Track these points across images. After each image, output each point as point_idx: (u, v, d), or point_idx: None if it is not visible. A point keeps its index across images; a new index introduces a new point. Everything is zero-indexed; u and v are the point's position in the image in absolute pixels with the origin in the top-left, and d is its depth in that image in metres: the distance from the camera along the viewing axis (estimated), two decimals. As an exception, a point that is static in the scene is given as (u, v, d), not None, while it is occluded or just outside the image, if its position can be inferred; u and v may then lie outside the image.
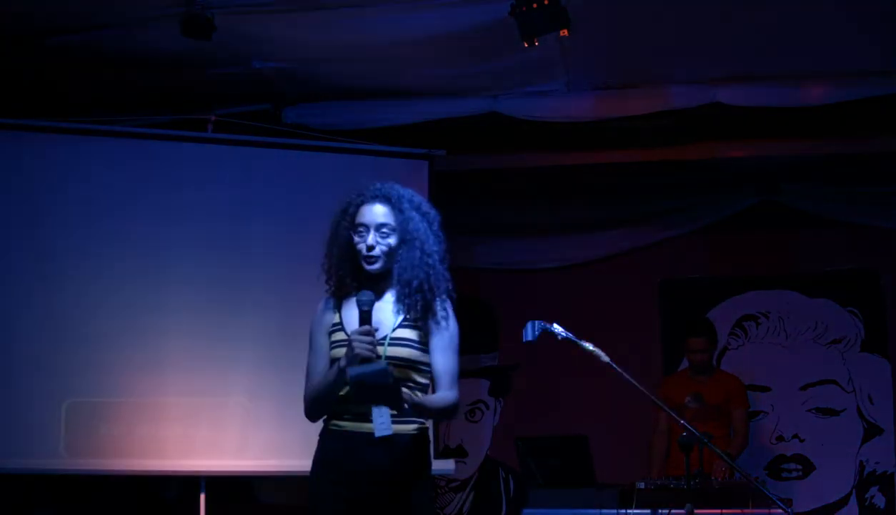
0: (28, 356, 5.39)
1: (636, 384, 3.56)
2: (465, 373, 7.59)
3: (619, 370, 3.56)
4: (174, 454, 5.49)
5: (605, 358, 3.60)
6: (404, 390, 3.13)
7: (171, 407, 5.51)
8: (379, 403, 3.15)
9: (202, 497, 5.52)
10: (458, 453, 7.28)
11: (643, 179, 7.12)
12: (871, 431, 6.91)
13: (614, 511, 4.76)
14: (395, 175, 5.90)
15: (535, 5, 4.75)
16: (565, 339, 3.64)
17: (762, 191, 7.04)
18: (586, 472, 5.29)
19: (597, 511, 4.79)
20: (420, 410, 3.22)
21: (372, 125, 6.22)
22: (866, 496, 6.85)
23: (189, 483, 5.81)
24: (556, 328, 3.66)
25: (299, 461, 5.51)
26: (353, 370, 3.07)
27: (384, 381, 3.04)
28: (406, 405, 3.13)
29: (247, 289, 5.64)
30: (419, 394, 3.26)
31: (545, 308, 5.79)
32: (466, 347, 7.78)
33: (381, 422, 3.17)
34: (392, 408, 3.17)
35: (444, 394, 3.29)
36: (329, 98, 6.18)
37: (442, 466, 6.20)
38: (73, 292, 5.46)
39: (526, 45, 4.93)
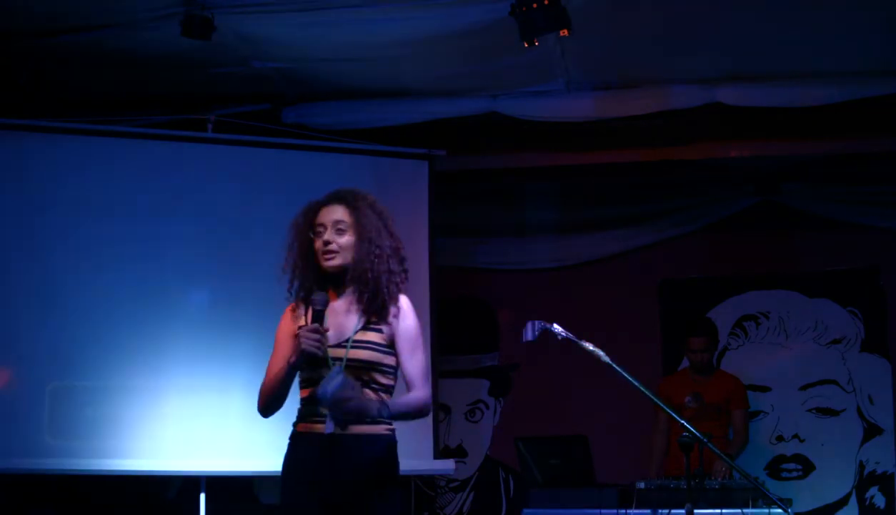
0: (24, 347, 5.40)
1: (636, 383, 3.55)
2: (465, 373, 7.66)
3: (619, 369, 3.56)
4: (174, 454, 5.49)
5: (606, 358, 3.60)
6: (374, 400, 3.25)
7: (171, 407, 5.51)
8: (352, 415, 3.21)
9: (202, 497, 5.52)
10: (458, 453, 7.28)
11: (643, 179, 7.12)
12: (871, 431, 6.90)
13: (614, 511, 4.75)
14: (395, 175, 6.00)
15: (535, 5, 4.75)
16: (565, 339, 3.64)
17: (762, 191, 7.04)
18: (586, 472, 5.28)
19: (597, 511, 4.78)
20: (395, 416, 3.31)
21: (372, 125, 6.22)
22: (866, 496, 6.85)
23: (189, 483, 5.81)
24: (556, 328, 3.66)
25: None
26: (319, 392, 3.17)
27: (350, 391, 3.16)
28: (377, 413, 3.23)
29: (246, 287, 5.63)
30: (385, 396, 3.34)
31: (545, 308, 5.81)
32: (466, 347, 7.84)
33: (329, 421, 3.26)
34: (363, 417, 3.24)
35: (416, 394, 3.37)
36: (329, 98, 6.18)
37: (442, 466, 6.21)
38: (73, 292, 5.46)
39: (526, 45, 4.93)
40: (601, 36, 5.37)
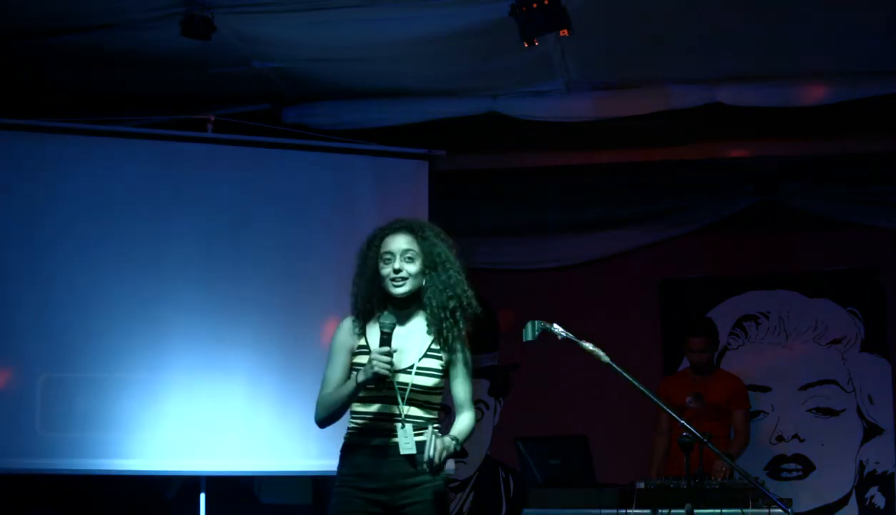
0: (24, 345, 5.40)
1: (636, 383, 3.55)
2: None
3: (619, 369, 3.56)
4: (174, 454, 5.49)
5: (605, 358, 3.60)
6: (449, 439, 3.50)
7: (171, 406, 5.51)
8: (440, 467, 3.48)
9: (202, 497, 5.52)
10: (458, 453, 7.26)
11: (643, 180, 7.12)
12: (871, 431, 6.90)
13: (614, 511, 4.75)
14: (395, 175, 6.00)
15: (535, 5, 4.75)
16: (565, 339, 3.65)
17: (762, 191, 7.04)
18: (586, 472, 5.28)
19: (597, 511, 4.78)
20: (462, 443, 3.61)
21: (372, 125, 6.22)
22: (866, 496, 6.85)
23: (189, 483, 5.81)
24: (556, 328, 3.66)
25: (299, 461, 5.59)
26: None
27: (439, 446, 3.45)
28: (454, 450, 3.54)
29: (247, 288, 5.64)
30: (439, 415, 3.64)
31: (545, 308, 5.80)
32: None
33: (406, 442, 3.53)
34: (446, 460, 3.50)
35: (468, 416, 3.68)
36: (329, 98, 6.18)
37: (442, 466, 6.20)
38: (72, 293, 5.45)
39: (526, 45, 4.94)
40: (601, 36, 5.37)
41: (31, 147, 5.56)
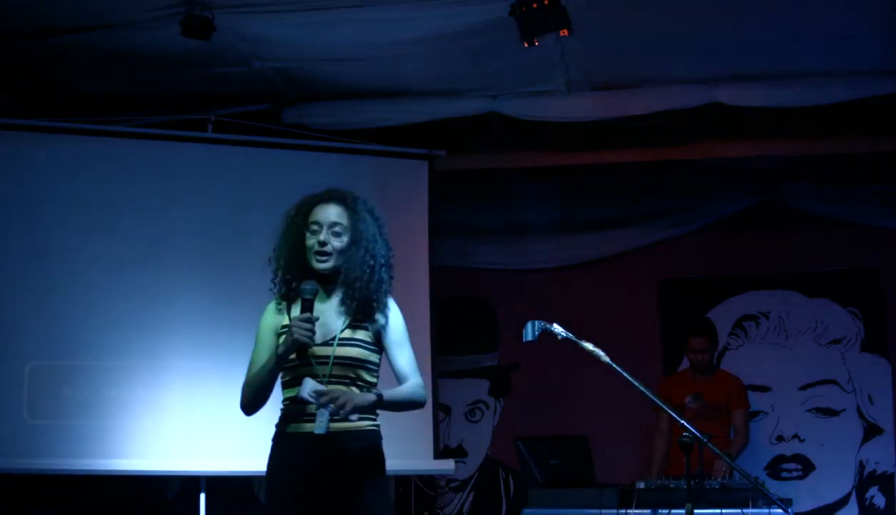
0: (21, 337, 5.42)
1: (636, 383, 3.55)
2: (465, 373, 7.65)
3: (619, 369, 3.56)
4: (174, 454, 5.49)
5: (605, 358, 3.59)
6: (368, 395, 3.23)
7: (170, 407, 5.51)
8: (350, 412, 3.20)
9: (202, 497, 5.53)
10: (458, 453, 7.28)
11: (643, 179, 7.11)
12: (871, 431, 6.90)
13: (614, 511, 4.75)
14: (395, 175, 6.01)
15: (535, 5, 4.75)
16: (565, 339, 3.64)
17: (762, 191, 7.04)
18: (586, 472, 5.28)
19: (597, 511, 4.79)
20: (391, 400, 3.28)
21: (372, 125, 6.22)
22: (866, 496, 6.85)
23: (189, 483, 5.81)
24: (556, 328, 3.66)
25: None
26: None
27: (338, 400, 3.15)
28: (373, 397, 3.23)
29: (246, 287, 5.61)
30: (374, 391, 3.32)
31: (545, 308, 5.81)
32: (466, 347, 7.82)
33: (321, 422, 3.22)
34: (361, 410, 3.23)
35: (410, 383, 3.38)
36: (329, 98, 6.18)
37: (442, 466, 6.21)
38: (72, 293, 5.46)
39: (526, 45, 4.94)
40: (601, 36, 5.37)
41: (31, 147, 5.56)
